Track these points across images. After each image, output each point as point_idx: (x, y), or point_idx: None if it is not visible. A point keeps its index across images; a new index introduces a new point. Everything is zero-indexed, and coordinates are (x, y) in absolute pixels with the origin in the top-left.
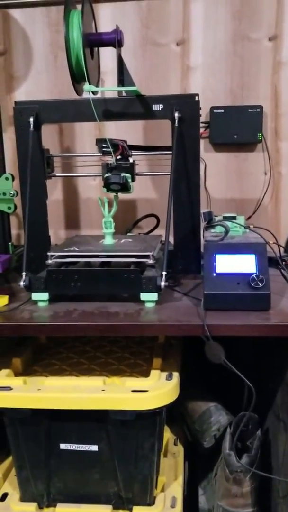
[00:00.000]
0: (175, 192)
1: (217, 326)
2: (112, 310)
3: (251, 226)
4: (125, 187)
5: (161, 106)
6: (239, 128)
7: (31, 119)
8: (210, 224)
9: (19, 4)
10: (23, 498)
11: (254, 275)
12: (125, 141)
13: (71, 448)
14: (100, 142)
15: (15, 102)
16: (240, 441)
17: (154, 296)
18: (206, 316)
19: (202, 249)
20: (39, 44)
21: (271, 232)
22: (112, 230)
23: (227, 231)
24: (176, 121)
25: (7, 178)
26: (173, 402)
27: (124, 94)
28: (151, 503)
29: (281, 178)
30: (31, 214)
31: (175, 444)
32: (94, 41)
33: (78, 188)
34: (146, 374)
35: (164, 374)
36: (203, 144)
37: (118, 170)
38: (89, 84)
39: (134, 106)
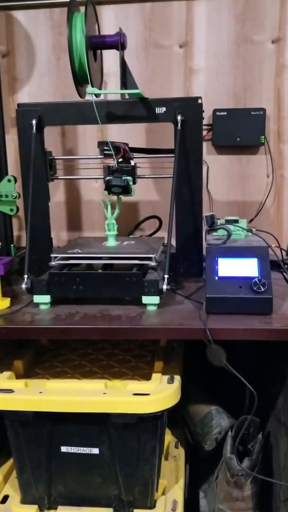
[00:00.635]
0: (177, 195)
1: (219, 330)
2: (114, 313)
3: (254, 230)
4: (126, 190)
5: (164, 109)
6: (242, 131)
7: (34, 122)
8: (212, 228)
9: (22, 6)
10: (24, 501)
11: (256, 279)
12: (127, 144)
13: (72, 451)
14: (102, 144)
15: (18, 105)
16: (241, 444)
17: (156, 299)
18: (208, 320)
19: (204, 252)
20: (42, 46)
21: (273, 236)
22: (115, 232)
23: (229, 235)
24: (179, 124)
25: (9, 180)
26: (174, 406)
27: (127, 96)
28: (152, 506)
29: (283, 181)
30: (33, 216)
31: (176, 447)
32: (97, 44)
33: (80, 190)
34: (147, 377)
35: (166, 377)
36: (205, 146)
37: (119, 173)
38: (92, 86)
39: (137, 109)
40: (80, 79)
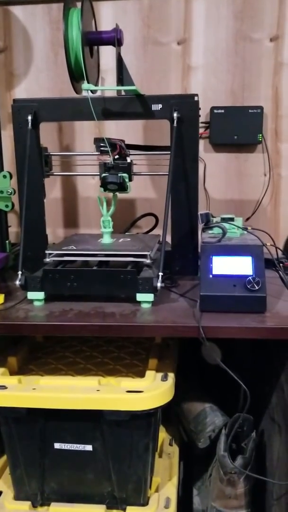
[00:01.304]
0: (173, 192)
1: (212, 328)
2: (108, 311)
3: (249, 228)
4: (122, 187)
5: (160, 106)
6: (240, 129)
7: (29, 117)
8: (208, 226)
9: (20, 1)
10: (17, 497)
11: (250, 278)
12: (123, 141)
13: (66, 448)
14: (98, 141)
15: (14, 100)
16: (235, 442)
17: (150, 297)
18: (202, 318)
19: (199, 250)
20: (39, 41)
21: (269, 234)
22: (110, 229)
23: (224, 233)
24: (175, 121)
25: (4, 176)
26: (168, 403)
27: (123, 93)
28: (145, 503)
29: (280, 180)
30: (29, 212)
31: (170, 444)
32: (93, 40)
33: (77, 187)
34: (142, 374)
35: (160, 374)
36: (203, 144)
37: (115, 169)
38: (88, 82)
39: (133, 106)
40: (76, 75)
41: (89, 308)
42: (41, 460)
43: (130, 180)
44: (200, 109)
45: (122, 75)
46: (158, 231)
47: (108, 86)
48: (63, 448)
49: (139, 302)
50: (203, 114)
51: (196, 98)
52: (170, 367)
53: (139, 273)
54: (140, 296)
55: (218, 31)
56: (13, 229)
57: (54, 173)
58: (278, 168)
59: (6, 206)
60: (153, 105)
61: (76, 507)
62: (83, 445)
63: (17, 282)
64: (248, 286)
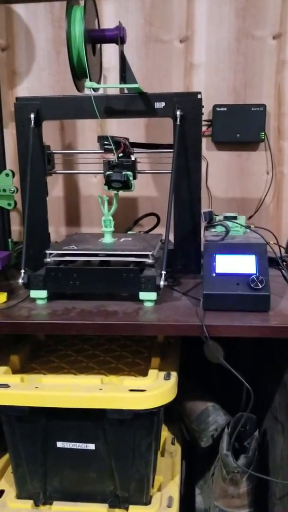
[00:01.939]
0: (176, 191)
1: (215, 326)
2: (110, 309)
3: (252, 226)
4: (126, 185)
5: (163, 104)
6: (242, 127)
7: (32, 116)
8: (211, 224)
9: None
10: (20, 496)
11: (254, 276)
12: (127, 139)
13: (68, 447)
14: (102, 139)
15: (16, 98)
16: (237, 441)
17: (153, 295)
18: (205, 317)
19: (202, 249)
20: (41, 39)
21: (272, 233)
22: (112, 229)
23: (227, 231)
24: (178, 119)
25: (7, 175)
26: (170, 402)
27: (126, 91)
28: (147, 502)
29: (283, 177)
30: (31, 211)
31: (172, 443)
32: (96, 38)
33: (79, 185)
34: (144, 373)
35: (162, 373)
36: (205, 142)
37: (119, 167)
38: (90, 80)
39: (136, 104)
40: (79, 73)
41: (92, 307)
42: (44, 459)
43: (134, 178)
44: (203, 107)
45: (125, 73)
46: (160, 229)
47: (111, 84)
48: (65, 446)
49: (142, 301)
50: (206, 112)
51: (199, 96)
52: (172, 366)
53: (141, 271)
54: (143, 295)
55: (220, 28)
56: (16, 228)
57: (57, 171)
58: (280, 166)
59: (9, 204)
60: (155, 103)
61: (79, 506)
62: (85, 444)
63: (20, 281)
64: (252, 285)
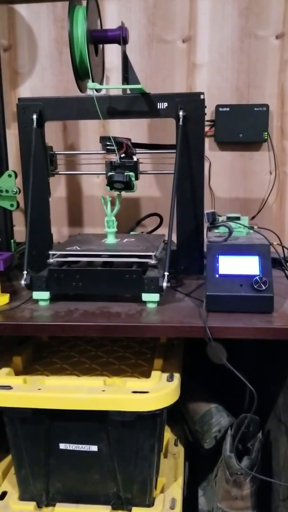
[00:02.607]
0: (179, 191)
1: (219, 328)
2: (113, 310)
3: (255, 227)
4: (128, 186)
5: (165, 104)
6: (245, 127)
7: (35, 116)
8: (214, 225)
9: None
10: (22, 497)
11: (257, 277)
12: (129, 139)
13: (71, 448)
14: (104, 140)
15: (19, 99)
16: (241, 443)
17: (155, 297)
18: (208, 318)
19: (205, 250)
20: (44, 40)
21: (275, 233)
22: (115, 229)
23: (230, 232)
24: (181, 119)
25: (10, 175)
26: (173, 404)
27: (128, 91)
28: (150, 504)
29: (286, 178)
30: (34, 212)
31: (175, 444)
32: (98, 38)
33: (81, 186)
34: (147, 374)
35: (165, 375)
36: (208, 142)
37: (122, 168)
38: (93, 81)
39: (139, 104)
40: (81, 74)
41: (95, 308)
42: (46, 461)
43: (137, 178)
44: (205, 107)
45: (128, 73)
46: (162, 230)
47: (113, 85)
48: (68, 448)
49: (145, 302)
50: (208, 112)
51: (202, 97)
52: (175, 367)
53: (144, 272)
54: (145, 296)
55: (223, 28)
56: (19, 228)
57: (60, 172)
58: (283, 166)
59: (11, 205)
60: (158, 104)
61: (82, 508)
62: (88, 446)
63: (22, 282)
64: (255, 286)
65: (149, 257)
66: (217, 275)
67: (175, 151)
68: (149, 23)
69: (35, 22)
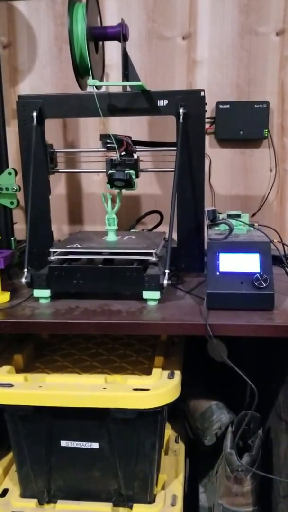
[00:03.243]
0: (179, 189)
1: (219, 325)
2: (114, 308)
3: (256, 224)
4: (129, 184)
5: (166, 101)
6: (245, 124)
7: (34, 114)
8: (214, 222)
9: None
10: (24, 494)
11: (258, 275)
12: (130, 137)
13: (72, 446)
14: (104, 137)
15: (19, 96)
16: (241, 440)
17: (156, 294)
18: (208, 316)
19: (206, 247)
20: (43, 37)
21: (275, 231)
22: (115, 227)
23: (231, 230)
24: (181, 117)
25: (10, 173)
26: (174, 401)
27: (128, 89)
28: (151, 501)
29: (286, 175)
30: (34, 209)
31: (176, 441)
32: (98, 35)
33: (81, 183)
34: (148, 372)
35: (166, 372)
36: (208, 139)
37: (122, 166)
38: (93, 78)
39: (139, 101)
40: (81, 71)
41: (95, 306)
42: (48, 458)
43: (137, 176)
44: (206, 104)
45: (128, 70)
46: (163, 227)
47: (114, 82)
48: (69, 446)
49: (145, 300)
50: (208, 109)
51: (202, 94)
52: (176, 365)
53: (145, 270)
54: (146, 294)
55: (223, 25)
56: (19, 226)
57: (60, 170)
58: (284, 163)
59: (11, 203)
60: (159, 101)
61: (83, 505)
62: (89, 443)
63: (23, 280)
64: (256, 283)
65: (149, 254)
66: (217, 273)
67: (175, 148)
68: (149, 20)
69: (35, 19)
